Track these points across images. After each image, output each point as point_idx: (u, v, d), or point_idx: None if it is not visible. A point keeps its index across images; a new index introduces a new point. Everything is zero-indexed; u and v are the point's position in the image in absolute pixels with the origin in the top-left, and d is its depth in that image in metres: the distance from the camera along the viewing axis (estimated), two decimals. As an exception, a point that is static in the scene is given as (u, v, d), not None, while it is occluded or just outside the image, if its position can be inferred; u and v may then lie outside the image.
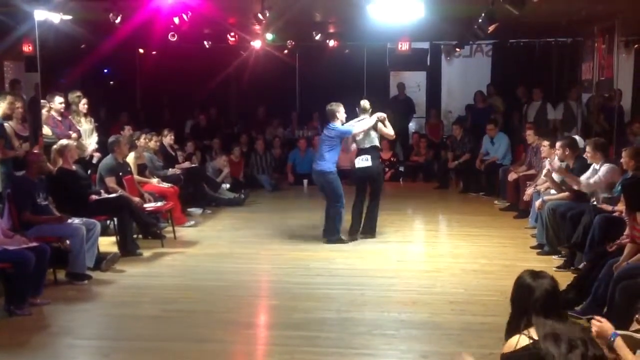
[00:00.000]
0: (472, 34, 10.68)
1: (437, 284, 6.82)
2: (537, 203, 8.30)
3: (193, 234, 9.24)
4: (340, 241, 8.51)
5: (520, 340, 3.15)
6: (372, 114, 8.76)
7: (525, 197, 9.36)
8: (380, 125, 8.72)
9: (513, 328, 3.33)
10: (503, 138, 12.15)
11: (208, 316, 5.94)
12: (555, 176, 8.14)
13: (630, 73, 12.83)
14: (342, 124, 8.59)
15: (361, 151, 8.72)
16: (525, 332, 3.17)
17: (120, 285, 6.87)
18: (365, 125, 8.61)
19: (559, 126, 12.45)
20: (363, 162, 8.62)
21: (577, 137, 9.07)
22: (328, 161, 8.48)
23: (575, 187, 7.59)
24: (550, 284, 3.31)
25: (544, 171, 8.19)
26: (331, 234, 8.55)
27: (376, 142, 8.80)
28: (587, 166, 7.72)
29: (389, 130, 8.81)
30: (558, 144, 8.35)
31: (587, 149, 7.64)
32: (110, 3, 8.63)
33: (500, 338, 5.30)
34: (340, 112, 8.59)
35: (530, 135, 10.42)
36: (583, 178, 7.50)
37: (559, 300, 3.40)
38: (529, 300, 3.28)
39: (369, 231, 8.83)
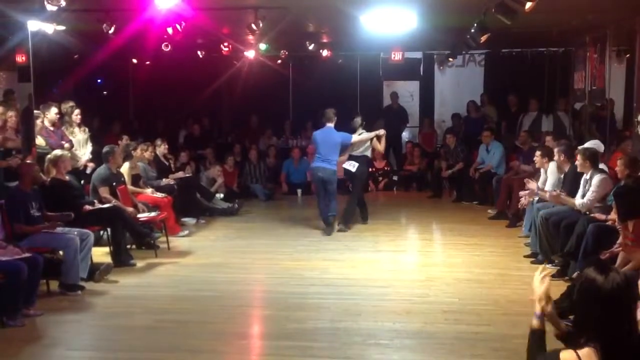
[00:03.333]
0: (465, 44, 10.74)
1: (430, 294, 6.83)
2: (524, 199, 8.43)
3: (187, 244, 9.22)
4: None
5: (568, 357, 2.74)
6: (364, 127, 10.17)
7: (522, 202, 9.38)
8: (375, 140, 10.14)
9: (575, 337, 2.85)
10: (498, 146, 12.19)
11: (201, 327, 5.93)
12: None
13: (622, 82, 12.89)
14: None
15: (351, 157, 9.94)
16: (579, 351, 2.74)
17: (113, 296, 6.85)
18: (364, 137, 10.01)
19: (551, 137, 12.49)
20: (350, 166, 9.91)
21: (596, 142, 8.91)
22: (335, 163, 9.70)
23: (575, 208, 7.56)
24: (622, 277, 2.82)
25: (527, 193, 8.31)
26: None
27: (368, 153, 10.21)
28: (580, 173, 7.73)
29: (381, 146, 10.33)
30: (556, 150, 8.40)
31: (578, 157, 7.66)
32: (104, 13, 8.63)
33: (494, 347, 5.35)
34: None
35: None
36: (578, 199, 7.45)
37: (633, 300, 2.89)
38: (598, 301, 2.78)
39: (344, 222, 9.90)
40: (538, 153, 9.00)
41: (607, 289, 2.76)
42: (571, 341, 2.83)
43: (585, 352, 2.73)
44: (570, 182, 7.98)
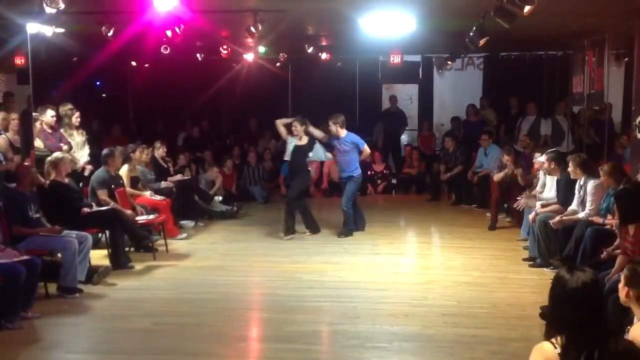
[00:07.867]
0: (464, 47, 10.74)
1: (429, 296, 6.82)
2: (531, 216, 8.31)
3: (185, 247, 9.21)
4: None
5: (545, 348, 2.88)
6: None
7: (518, 206, 9.33)
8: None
9: (549, 334, 2.97)
10: (495, 150, 12.18)
11: (199, 329, 5.92)
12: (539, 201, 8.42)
13: (620, 86, 12.89)
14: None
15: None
16: (554, 340, 2.90)
17: (111, 299, 6.84)
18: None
19: (549, 141, 12.51)
20: None
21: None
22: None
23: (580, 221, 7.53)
24: (590, 278, 2.93)
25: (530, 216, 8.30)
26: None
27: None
28: (574, 180, 7.73)
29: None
30: (544, 157, 8.42)
31: (569, 164, 7.68)
32: (103, 16, 8.64)
33: (492, 351, 5.35)
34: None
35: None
36: (581, 213, 7.40)
37: (599, 300, 3.00)
38: (562, 297, 2.94)
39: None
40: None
41: (572, 287, 2.91)
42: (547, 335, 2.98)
43: (557, 340, 2.88)
44: (563, 190, 7.99)
